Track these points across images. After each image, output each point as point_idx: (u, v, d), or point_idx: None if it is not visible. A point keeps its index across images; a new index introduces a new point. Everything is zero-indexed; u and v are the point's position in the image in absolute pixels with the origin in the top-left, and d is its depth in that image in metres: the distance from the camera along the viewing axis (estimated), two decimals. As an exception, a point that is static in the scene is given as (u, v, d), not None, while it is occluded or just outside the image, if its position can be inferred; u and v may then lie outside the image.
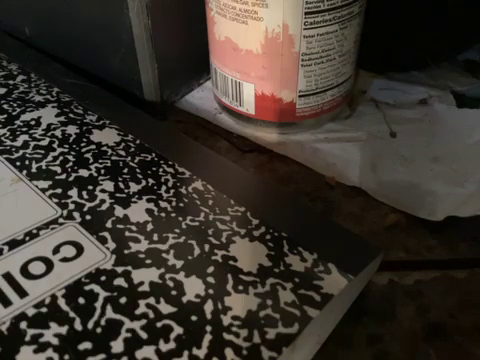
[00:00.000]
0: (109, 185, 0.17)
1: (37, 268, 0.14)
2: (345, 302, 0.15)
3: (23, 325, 0.12)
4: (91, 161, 0.18)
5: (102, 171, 0.18)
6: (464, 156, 0.21)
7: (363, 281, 0.16)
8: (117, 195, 0.17)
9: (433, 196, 0.19)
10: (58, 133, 0.20)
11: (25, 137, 0.19)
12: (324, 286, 0.14)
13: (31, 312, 0.13)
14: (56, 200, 0.16)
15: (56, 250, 0.15)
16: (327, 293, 0.14)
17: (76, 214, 0.16)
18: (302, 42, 0.20)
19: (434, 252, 0.18)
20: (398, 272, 0.17)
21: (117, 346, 0.12)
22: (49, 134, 0.20)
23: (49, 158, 0.18)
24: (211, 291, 0.14)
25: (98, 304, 0.13)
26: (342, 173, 0.21)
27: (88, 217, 0.16)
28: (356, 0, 0.20)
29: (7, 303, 0.13)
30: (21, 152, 0.19)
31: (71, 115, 0.21)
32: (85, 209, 0.16)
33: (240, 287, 0.14)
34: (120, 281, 0.14)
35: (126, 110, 0.22)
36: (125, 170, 0.18)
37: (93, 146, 0.19)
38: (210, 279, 0.14)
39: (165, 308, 0.13)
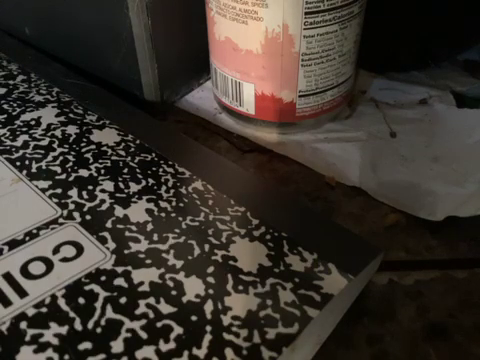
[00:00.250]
0: (109, 185, 0.17)
1: (37, 268, 0.14)
2: (345, 302, 0.15)
3: (23, 325, 0.12)
4: (91, 161, 0.18)
5: (102, 171, 0.18)
6: (464, 156, 0.21)
7: (363, 281, 0.16)
8: (117, 195, 0.17)
9: (433, 196, 0.19)
10: (58, 133, 0.20)
11: (25, 137, 0.19)
12: (324, 286, 0.14)
13: (31, 312, 0.13)
14: (56, 200, 0.16)
15: (56, 250, 0.15)
16: (327, 293, 0.14)
17: (76, 214, 0.16)
18: (302, 42, 0.20)
19: (434, 252, 0.18)
20: (398, 272, 0.17)
21: (117, 346, 0.12)
22: (49, 134, 0.20)
23: (49, 158, 0.18)
24: (211, 291, 0.14)
25: (98, 304, 0.13)
26: (342, 173, 0.21)
27: (88, 217, 0.16)
28: (356, 0, 0.20)
29: (7, 303, 0.13)
30: (21, 152, 0.19)
31: (71, 115, 0.21)
32: (85, 209, 0.16)
33: (240, 287, 0.14)
34: (120, 281, 0.14)
35: (126, 110, 0.22)
36: (125, 170, 0.18)
37: (93, 146, 0.19)
38: (210, 279, 0.14)
39: (165, 308, 0.13)
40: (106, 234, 0.15)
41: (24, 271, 0.14)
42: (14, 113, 0.21)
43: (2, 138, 0.19)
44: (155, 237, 0.15)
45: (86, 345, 0.12)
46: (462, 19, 0.24)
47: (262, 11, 0.19)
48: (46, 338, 0.12)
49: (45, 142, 0.19)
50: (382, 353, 0.15)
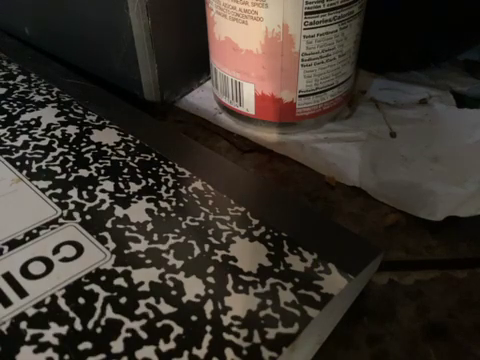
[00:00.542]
0: (109, 185, 0.17)
1: (37, 268, 0.14)
2: (345, 302, 0.15)
3: (23, 325, 0.12)
4: (91, 161, 0.18)
5: (102, 171, 0.18)
6: (464, 156, 0.21)
7: (363, 281, 0.16)
8: (117, 195, 0.17)
9: (433, 196, 0.19)
10: (58, 133, 0.20)
11: (25, 137, 0.19)
12: (324, 286, 0.14)
13: (31, 312, 0.13)
14: (56, 200, 0.16)
15: (56, 250, 0.15)
16: (327, 293, 0.14)
17: (76, 214, 0.16)
18: (302, 42, 0.20)
19: (434, 252, 0.18)
20: (398, 272, 0.17)
21: (117, 346, 0.12)
22: (49, 134, 0.20)
23: (49, 158, 0.18)
24: (211, 291, 0.14)
25: (98, 304, 0.13)
26: (342, 173, 0.21)
27: (88, 217, 0.16)
28: (356, 0, 0.20)
29: (7, 303, 0.13)
30: (21, 152, 0.19)
31: (71, 115, 0.21)
32: (85, 209, 0.16)
33: (240, 287, 0.14)
34: (120, 281, 0.14)
35: (126, 110, 0.22)
36: (125, 170, 0.18)
37: (93, 146, 0.19)
38: (210, 279, 0.14)
39: (165, 308, 0.13)
40: (106, 234, 0.15)
41: (24, 271, 0.14)
42: (14, 113, 0.21)
43: (2, 138, 0.19)
44: (155, 237, 0.15)
45: (86, 345, 0.12)
46: (462, 19, 0.24)
47: (262, 11, 0.19)
48: (46, 338, 0.12)
49: (45, 142, 0.19)
50: (382, 353, 0.15)
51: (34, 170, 0.18)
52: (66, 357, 0.12)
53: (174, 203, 0.17)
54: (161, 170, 0.18)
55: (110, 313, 0.13)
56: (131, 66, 0.24)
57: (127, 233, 0.15)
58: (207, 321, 0.13)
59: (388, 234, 0.18)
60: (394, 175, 0.21)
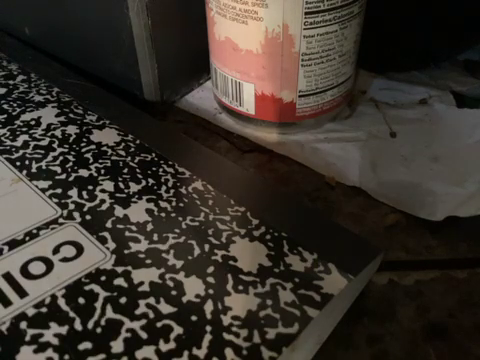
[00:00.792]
0: (109, 185, 0.17)
1: (37, 268, 0.14)
2: (345, 302, 0.15)
3: (23, 325, 0.12)
4: (91, 161, 0.18)
5: (102, 171, 0.18)
6: (464, 156, 0.21)
7: (363, 281, 0.16)
8: (117, 195, 0.17)
9: (433, 196, 0.19)
10: (58, 133, 0.20)
11: (25, 137, 0.19)
12: (324, 286, 0.14)
13: (31, 312, 0.13)
14: (56, 200, 0.16)
15: (56, 250, 0.15)
16: (327, 293, 0.14)
17: (76, 214, 0.16)
18: (302, 42, 0.20)
19: (434, 252, 0.18)
20: (398, 272, 0.17)
21: (117, 346, 0.12)
22: (49, 134, 0.20)
23: (49, 158, 0.18)
24: (211, 291, 0.14)
25: (98, 304, 0.13)
26: (342, 173, 0.21)
27: (88, 217, 0.16)
28: (356, 0, 0.20)
29: (7, 303, 0.13)
30: (21, 152, 0.19)
31: (71, 115, 0.21)
32: (85, 209, 0.16)
33: (240, 287, 0.14)
34: (120, 281, 0.14)
35: (126, 110, 0.22)
36: (125, 170, 0.18)
37: (93, 146, 0.19)
38: (210, 279, 0.14)
39: (165, 308, 0.13)
40: (106, 234, 0.15)
41: (24, 271, 0.14)
42: (14, 113, 0.21)
43: (2, 138, 0.19)
44: (155, 237, 0.15)
45: (86, 345, 0.12)
46: (462, 19, 0.24)
47: (262, 11, 0.19)
48: (46, 338, 0.12)
49: (45, 142, 0.19)
50: (382, 353, 0.15)
51: (34, 170, 0.18)
52: (66, 357, 0.12)
53: (174, 203, 0.17)
54: (161, 170, 0.18)
55: (110, 313, 0.13)
56: (131, 66, 0.24)
57: (127, 233, 0.15)
58: (207, 321, 0.13)
59: (388, 234, 0.18)
60: (394, 175, 0.21)
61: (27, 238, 0.15)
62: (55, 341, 0.12)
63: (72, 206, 0.16)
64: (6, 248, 0.15)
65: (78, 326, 0.13)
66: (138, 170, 0.18)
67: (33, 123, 0.20)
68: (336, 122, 0.24)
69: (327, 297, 0.14)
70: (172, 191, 0.17)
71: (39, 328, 0.12)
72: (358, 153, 0.22)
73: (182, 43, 0.25)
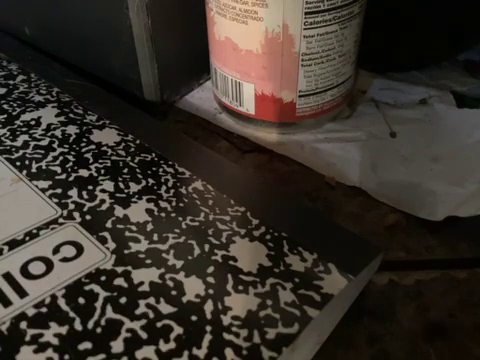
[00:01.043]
0: (109, 185, 0.17)
1: (37, 268, 0.14)
2: (345, 302, 0.15)
3: (23, 325, 0.12)
4: (91, 161, 0.18)
5: (102, 171, 0.18)
6: (464, 156, 0.21)
7: (363, 281, 0.16)
8: (117, 195, 0.17)
9: (433, 196, 0.19)
10: (58, 133, 0.20)
11: (25, 137, 0.19)
12: (324, 286, 0.14)
13: (31, 312, 0.13)
14: (56, 200, 0.16)
15: (56, 250, 0.15)
16: (327, 293, 0.14)
17: (76, 214, 0.16)
18: (302, 42, 0.20)
19: (434, 252, 0.18)
20: (398, 272, 0.17)
21: (117, 346, 0.12)
22: (49, 134, 0.20)
23: (49, 158, 0.18)
24: (211, 291, 0.14)
25: (98, 304, 0.13)
26: (342, 173, 0.21)
27: (88, 217, 0.16)
28: (356, 0, 0.20)
29: (7, 303, 0.13)
30: (21, 152, 0.19)
31: (71, 115, 0.21)
32: (85, 209, 0.16)
33: (240, 287, 0.14)
34: (120, 281, 0.14)
35: (126, 110, 0.22)
36: (125, 170, 0.18)
37: (93, 146, 0.19)
38: (210, 279, 0.14)
39: (165, 308, 0.13)
40: (106, 234, 0.15)
41: (24, 271, 0.14)
42: (14, 113, 0.21)
43: (2, 138, 0.19)
44: (155, 237, 0.15)
45: (86, 345, 0.12)
46: (462, 19, 0.24)
47: (262, 11, 0.19)
48: (46, 338, 0.12)
49: (45, 142, 0.19)
50: (382, 353, 0.15)
51: (34, 170, 0.18)
52: (66, 357, 0.12)
53: (174, 203, 0.17)
54: (161, 170, 0.18)
55: (110, 313, 0.13)
56: (131, 66, 0.24)
57: (127, 233, 0.15)
58: (207, 321, 0.13)
59: (388, 234, 0.18)
60: (394, 175, 0.21)
61: (27, 238, 0.15)
62: (55, 341, 0.12)
63: (72, 206, 0.16)
64: (6, 248, 0.15)
65: (78, 326, 0.13)
66: (138, 170, 0.18)
67: (33, 123, 0.20)
68: (336, 122, 0.24)
69: (327, 297, 0.14)
70: (172, 191, 0.17)
71: (39, 328, 0.12)
72: (358, 153, 0.22)
73: (182, 43, 0.25)
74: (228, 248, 0.15)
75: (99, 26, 0.24)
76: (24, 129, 0.20)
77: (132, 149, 0.19)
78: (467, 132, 0.23)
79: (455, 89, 0.26)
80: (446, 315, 0.16)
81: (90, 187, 0.17)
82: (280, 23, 0.19)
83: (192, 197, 0.17)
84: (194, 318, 0.13)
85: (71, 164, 0.18)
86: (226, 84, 0.23)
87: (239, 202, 0.17)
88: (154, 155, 0.19)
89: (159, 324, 0.13)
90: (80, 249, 0.15)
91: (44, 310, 0.13)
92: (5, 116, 0.21)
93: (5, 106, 0.21)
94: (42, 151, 0.19)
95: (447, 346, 0.15)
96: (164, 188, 0.17)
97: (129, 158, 0.19)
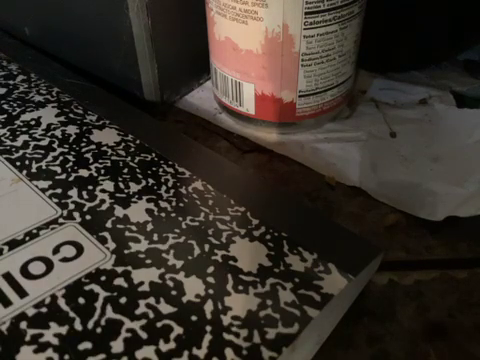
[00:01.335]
0: (109, 185, 0.17)
1: (37, 268, 0.14)
2: (345, 302, 0.15)
3: (23, 325, 0.13)
4: (91, 161, 0.18)
5: (102, 171, 0.18)
6: (464, 156, 0.21)
7: (363, 281, 0.16)
8: (117, 195, 0.17)
9: (433, 196, 0.19)
10: (58, 133, 0.20)
11: (25, 137, 0.19)
12: (324, 286, 0.14)
13: (31, 312, 0.13)
14: (56, 200, 0.16)
15: (56, 250, 0.15)
16: (327, 293, 0.14)
17: (76, 214, 0.16)
18: (302, 42, 0.20)
19: (434, 252, 0.18)
20: (398, 272, 0.17)
21: (117, 346, 0.12)
22: (49, 134, 0.20)
23: (49, 158, 0.18)
24: (211, 291, 0.14)
25: (98, 304, 0.13)
26: (342, 173, 0.21)
27: (88, 217, 0.16)
28: (356, 0, 0.20)
29: (7, 303, 0.13)
30: (21, 152, 0.19)
31: (71, 115, 0.21)
32: (85, 209, 0.16)
33: (240, 287, 0.14)
34: (120, 281, 0.14)
35: (126, 110, 0.22)
36: (125, 170, 0.18)
37: (93, 146, 0.19)
38: (210, 279, 0.14)
39: (165, 308, 0.13)
40: (106, 234, 0.15)
41: (24, 271, 0.14)
42: (14, 113, 0.21)
43: (2, 138, 0.19)
44: (155, 237, 0.15)
45: (86, 345, 0.12)
46: (462, 19, 0.24)
47: (262, 11, 0.19)
48: (46, 338, 0.12)
49: (45, 142, 0.19)
50: (382, 353, 0.15)
51: (34, 170, 0.18)
52: (66, 357, 0.12)
53: (174, 203, 0.17)
54: (161, 170, 0.18)
55: (110, 313, 0.13)
56: (131, 66, 0.24)
57: (127, 233, 0.15)
58: (207, 321, 0.13)
59: (388, 234, 0.18)
60: (394, 175, 0.21)
61: (27, 238, 0.15)
62: (55, 341, 0.12)
63: (72, 206, 0.16)
64: (6, 248, 0.15)
65: (78, 326, 0.13)
66: (138, 170, 0.18)
67: (33, 123, 0.20)
68: (336, 122, 0.24)
69: (327, 297, 0.14)
70: (172, 191, 0.17)
71: (39, 328, 0.12)
72: (358, 153, 0.22)
73: (182, 43, 0.25)
74: (228, 248, 0.15)
75: (99, 26, 0.24)
76: (24, 129, 0.20)
77: (132, 149, 0.19)
78: (467, 132, 0.23)
79: (455, 89, 0.26)
80: (446, 315, 0.16)
81: (90, 187, 0.17)
82: (280, 23, 0.19)
83: (192, 197, 0.17)
84: (194, 318, 0.13)
85: (71, 164, 0.18)
86: (226, 84, 0.23)
87: (239, 202, 0.17)
88: (154, 155, 0.19)
89: (159, 324, 0.13)
90: (80, 249, 0.15)
91: (44, 310, 0.13)
92: (5, 116, 0.21)
93: (5, 106, 0.21)
94: (42, 151, 0.19)
95: (447, 346, 0.15)
96: (164, 188, 0.17)
97: (129, 158, 0.19)
